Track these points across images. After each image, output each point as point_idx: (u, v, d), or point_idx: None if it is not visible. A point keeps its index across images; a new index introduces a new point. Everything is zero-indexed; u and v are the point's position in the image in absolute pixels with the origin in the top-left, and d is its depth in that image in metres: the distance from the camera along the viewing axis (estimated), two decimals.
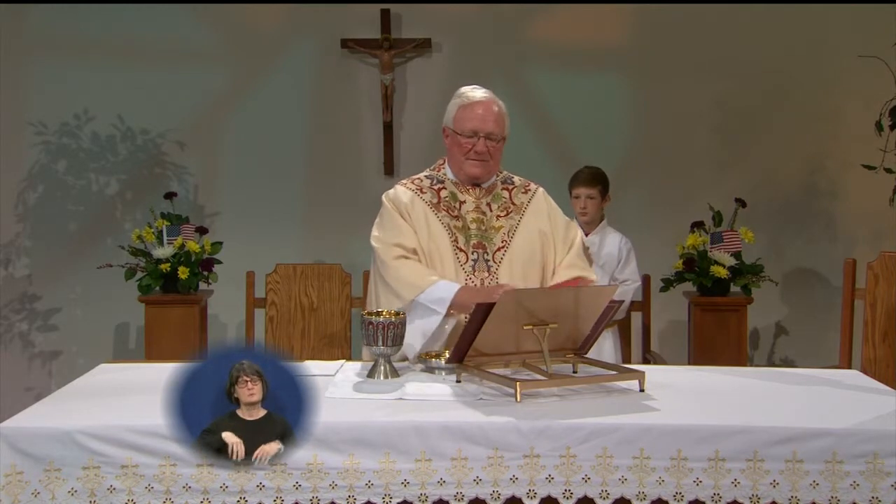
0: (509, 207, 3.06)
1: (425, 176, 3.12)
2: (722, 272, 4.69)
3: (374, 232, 3.04)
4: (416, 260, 2.94)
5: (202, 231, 4.95)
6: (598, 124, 5.31)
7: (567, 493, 2.16)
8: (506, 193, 3.08)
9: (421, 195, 3.03)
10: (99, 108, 5.30)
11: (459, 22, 5.33)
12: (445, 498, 2.16)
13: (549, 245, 3.06)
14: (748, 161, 5.34)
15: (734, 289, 4.82)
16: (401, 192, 3.06)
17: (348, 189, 5.32)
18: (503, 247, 2.99)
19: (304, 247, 5.25)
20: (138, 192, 5.35)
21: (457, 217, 3.00)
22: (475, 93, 3.03)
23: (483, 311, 2.39)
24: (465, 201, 3.03)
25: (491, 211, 3.04)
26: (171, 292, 4.80)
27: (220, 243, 4.95)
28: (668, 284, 4.87)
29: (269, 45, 5.35)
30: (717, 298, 4.78)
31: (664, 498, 2.16)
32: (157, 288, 4.81)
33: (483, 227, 3.00)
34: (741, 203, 4.90)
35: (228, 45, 5.33)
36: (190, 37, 5.30)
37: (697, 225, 4.86)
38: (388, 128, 5.35)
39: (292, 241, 5.26)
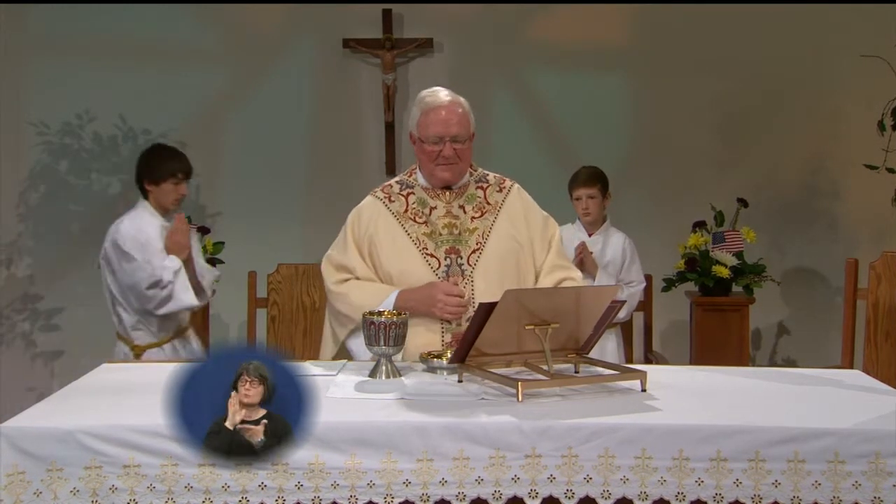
0: (484, 207, 3.02)
1: (396, 181, 3.09)
2: (724, 272, 4.69)
3: (330, 250, 3.06)
4: (355, 278, 2.96)
5: (204, 231, 4.96)
6: (598, 124, 5.31)
7: (569, 493, 2.15)
8: (480, 193, 3.04)
9: (389, 205, 3.01)
10: (100, 108, 5.30)
11: (461, 22, 5.33)
12: (447, 498, 2.15)
13: (527, 252, 3.01)
14: (749, 161, 5.34)
15: (736, 289, 4.83)
16: (368, 205, 3.05)
17: (350, 189, 5.29)
18: (478, 248, 2.95)
19: (306, 246, 5.23)
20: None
21: (425, 223, 2.97)
22: (435, 96, 2.97)
23: (485, 311, 2.39)
24: (435, 207, 3.00)
25: (465, 213, 3.00)
26: None
27: (222, 243, 4.95)
28: (669, 284, 4.87)
29: (270, 45, 5.35)
30: (718, 298, 4.78)
31: (666, 498, 2.16)
32: None
33: (456, 232, 2.96)
34: (743, 203, 4.90)
35: (229, 45, 5.33)
36: (191, 37, 5.31)
37: (699, 225, 4.86)
38: (389, 128, 5.35)
39: (294, 240, 5.25)
